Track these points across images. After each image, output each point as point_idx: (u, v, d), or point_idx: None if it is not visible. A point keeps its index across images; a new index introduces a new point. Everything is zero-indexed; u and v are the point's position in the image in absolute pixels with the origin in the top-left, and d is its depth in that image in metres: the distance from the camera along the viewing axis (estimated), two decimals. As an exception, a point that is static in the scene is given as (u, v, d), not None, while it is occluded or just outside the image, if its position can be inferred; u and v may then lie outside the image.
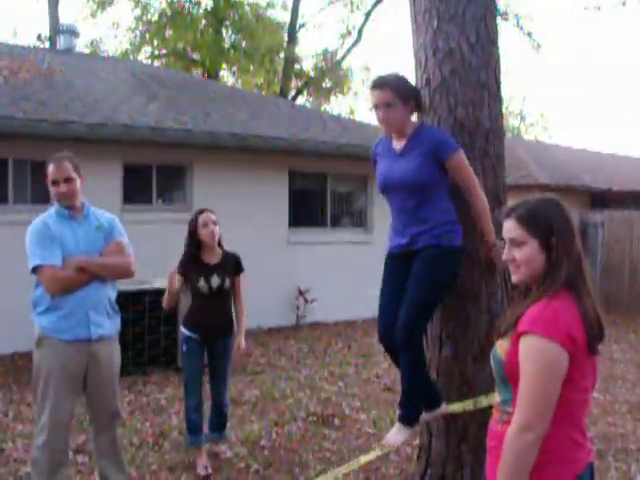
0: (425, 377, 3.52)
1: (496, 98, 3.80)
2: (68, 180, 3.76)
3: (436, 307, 3.57)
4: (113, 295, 3.96)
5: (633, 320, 11.38)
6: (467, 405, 3.66)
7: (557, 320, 1.96)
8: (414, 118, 3.63)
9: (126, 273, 3.95)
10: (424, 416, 3.52)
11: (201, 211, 4.64)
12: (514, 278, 2.16)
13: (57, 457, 3.77)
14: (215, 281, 4.54)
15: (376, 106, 3.42)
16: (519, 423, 1.95)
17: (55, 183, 3.76)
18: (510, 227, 2.13)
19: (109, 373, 3.92)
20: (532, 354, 1.95)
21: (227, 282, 4.57)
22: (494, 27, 3.77)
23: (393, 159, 3.51)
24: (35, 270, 3.71)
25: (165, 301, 4.55)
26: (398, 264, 3.52)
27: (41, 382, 3.76)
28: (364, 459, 3.40)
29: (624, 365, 8.03)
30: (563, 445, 2.04)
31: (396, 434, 3.51)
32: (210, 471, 4.50)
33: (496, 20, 3.79)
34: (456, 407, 3.66)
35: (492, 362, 2.17)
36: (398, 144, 3.52)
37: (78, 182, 3.82)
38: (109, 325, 3.90)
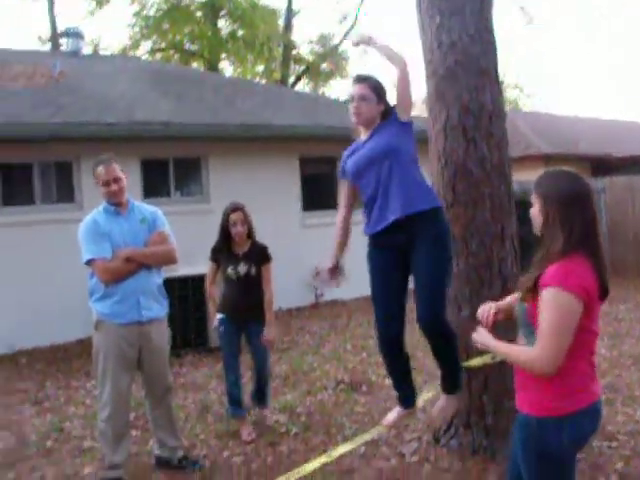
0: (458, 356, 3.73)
1: (496, 81, 4.19)
2: (117, 180, 4.14)
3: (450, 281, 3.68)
4: (160, 281, 4.35)
5: None
6: (486, 359, 4.03)
7: (573, 275, 2.30)
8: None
9: (170, 260, 4.33)
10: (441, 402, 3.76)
11: (234, 209, 4.89)
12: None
13: (120, 428, 4.20)
14: (242, 269, 4.92)
15: (352, 98, 3.57)
16: (534, 356, 2.34)
17: (106, 184, 4.12)
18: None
19: (160, 351, 4.32)
20: (550, 304, 2.30)
21: (253, 270, 4.93)
22: (490, 18, 4.15)
23: (361, 149, 3.59)
24: (88, 263, 4.10)
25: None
26: (385, 253, 3.55)
27: (101, 362, 4.16)
28: (367, 436, 3.78)
29: (629, 323, 8.41)
30: (582, 378, 2.42)
31: (445, 404, 3.75)
32: (254, 436, 4.93)
33: (492, 11, 4.16)
34: (476, 361, 4.03)
35: (517, 311, 2.54)
36: (364, 137, 3.61)
37: (125, 180, 4.22)
38: (158, 308, 4.30)
